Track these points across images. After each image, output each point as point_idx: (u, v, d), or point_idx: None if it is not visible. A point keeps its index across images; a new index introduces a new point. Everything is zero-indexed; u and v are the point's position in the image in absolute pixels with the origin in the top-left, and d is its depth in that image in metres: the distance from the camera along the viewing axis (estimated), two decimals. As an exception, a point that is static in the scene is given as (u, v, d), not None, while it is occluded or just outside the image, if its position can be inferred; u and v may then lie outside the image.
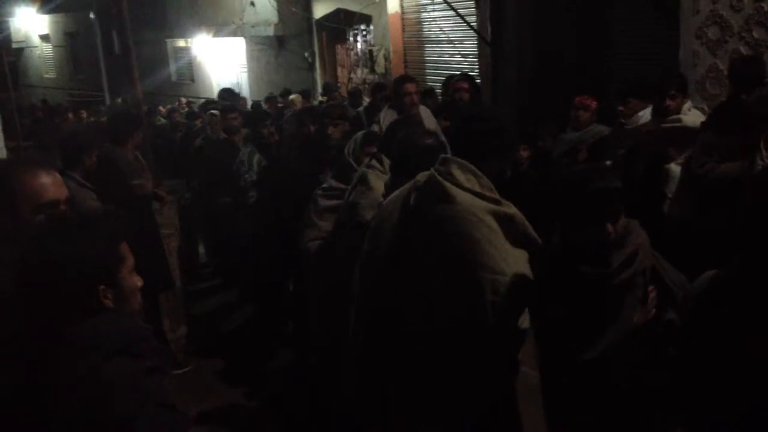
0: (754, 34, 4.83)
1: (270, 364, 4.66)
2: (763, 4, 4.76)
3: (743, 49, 4.89)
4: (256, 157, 5.21)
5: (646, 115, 4.30)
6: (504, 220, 2.08)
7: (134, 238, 1.58)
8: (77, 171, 4.00)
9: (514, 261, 2.07)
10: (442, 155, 2.26)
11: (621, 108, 4.45)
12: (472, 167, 2.13)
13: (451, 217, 2.07)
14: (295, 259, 3.67)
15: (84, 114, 10.61)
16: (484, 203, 2.08)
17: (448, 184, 2.11)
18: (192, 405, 3.93)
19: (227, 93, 8.77)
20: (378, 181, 2.77)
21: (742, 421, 1.67)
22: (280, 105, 9.58)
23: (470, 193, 2.09)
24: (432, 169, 2.18)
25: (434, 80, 9.18)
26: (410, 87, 4.85)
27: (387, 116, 4.92)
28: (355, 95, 8.72)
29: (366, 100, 8.38)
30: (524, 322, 2.15)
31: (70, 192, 3.78)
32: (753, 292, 1.65)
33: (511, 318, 2.10)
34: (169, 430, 1.38)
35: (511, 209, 2.12)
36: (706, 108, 4.74)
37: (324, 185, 3.28)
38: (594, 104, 4.95)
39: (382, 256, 2.28)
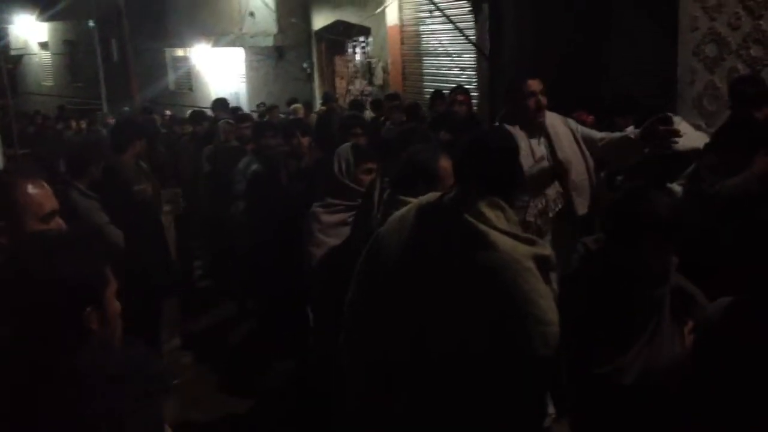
0: (752, 52, 4.85)
1: (267, 376, 4.63)
2: (761, 22, 4.78)
3: (741, 67, 4.91)
4: (254, 167, 5.14)
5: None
6: (541, 262, 2.03)
7: (141, 243, 1.54)
8: (83, 181, 4.00)
9: (553, 304, 2.03)
10: (461, 189, 2.12)
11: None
12: (498, 201, 2.05)
13: (496, 267, 1.97)
14: (294, 272, 3.61)
15: (83, 124, 10.45)
16: (525, 248, 2.01)
17: (485, 229, 1.99)
18: (182, 414, 3.93)
19: (220, 104, 8.69)
20: None
21: None
22: (266, 117, 9.41)
23: (507, 235, 2.01)
24: (465, 214, 2.03)
25: (432, 93, 9.20)
26: (534, 85, 3.33)
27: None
28: (356, 107, 8.36)
29: (368, 112, 8.33)
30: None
31: (74, 202, 3.84)
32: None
33: (557, 366, 2.07)
34: None
35: (547, 250, 2.07)
36: (703, 125, 4.74)
37: (321, 202, 3.17)
38: (590, 119, 5.02)
39: (386, 278, 2.19)
